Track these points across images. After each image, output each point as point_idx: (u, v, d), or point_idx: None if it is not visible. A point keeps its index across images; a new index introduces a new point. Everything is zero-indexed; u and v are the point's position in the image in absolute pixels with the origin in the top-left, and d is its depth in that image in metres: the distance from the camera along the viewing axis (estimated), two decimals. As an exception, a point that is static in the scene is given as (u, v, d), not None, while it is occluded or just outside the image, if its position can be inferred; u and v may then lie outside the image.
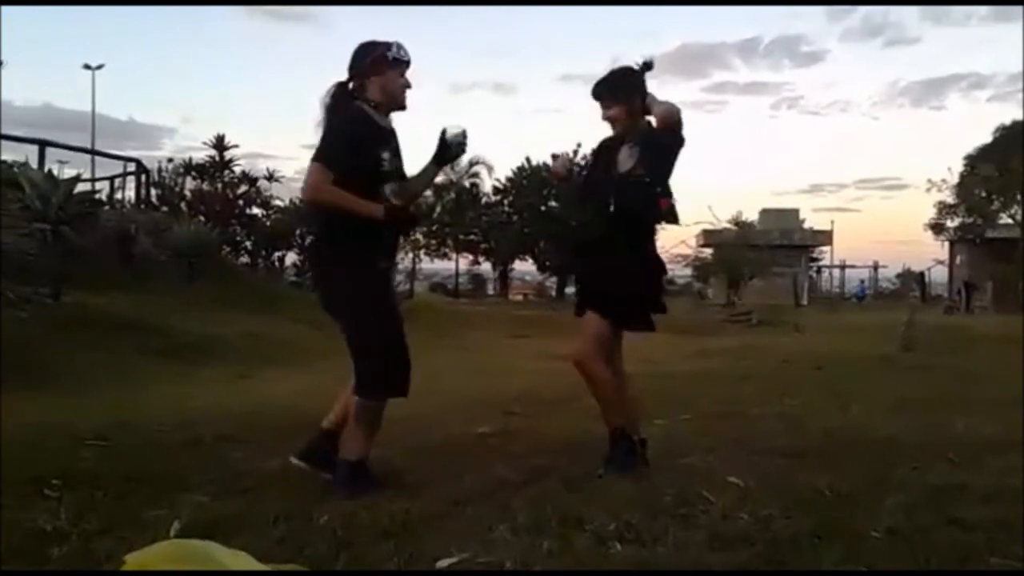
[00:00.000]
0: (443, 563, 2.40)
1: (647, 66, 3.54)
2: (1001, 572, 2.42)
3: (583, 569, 2.37)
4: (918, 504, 3.04)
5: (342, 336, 3.30)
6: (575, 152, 39.02)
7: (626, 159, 3.55)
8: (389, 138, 3.35)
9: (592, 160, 3.87)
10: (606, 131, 3.68)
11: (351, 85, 3.32)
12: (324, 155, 3.17)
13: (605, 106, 3.58)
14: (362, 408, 3.23)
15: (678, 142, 3.52)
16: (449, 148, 3.51)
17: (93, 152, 19.77)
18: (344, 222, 3.17)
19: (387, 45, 3.28)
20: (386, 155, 3.28)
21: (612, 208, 3.50)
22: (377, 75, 3.27)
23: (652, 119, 3.53)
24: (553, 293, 40.83)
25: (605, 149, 3.69)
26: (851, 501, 3.09)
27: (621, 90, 3.55)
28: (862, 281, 47.62)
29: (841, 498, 3.13)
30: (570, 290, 41.47)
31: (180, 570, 1.39)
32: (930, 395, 6.38)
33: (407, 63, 3.32)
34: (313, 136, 3.26)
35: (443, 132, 3.48)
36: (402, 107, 3.38)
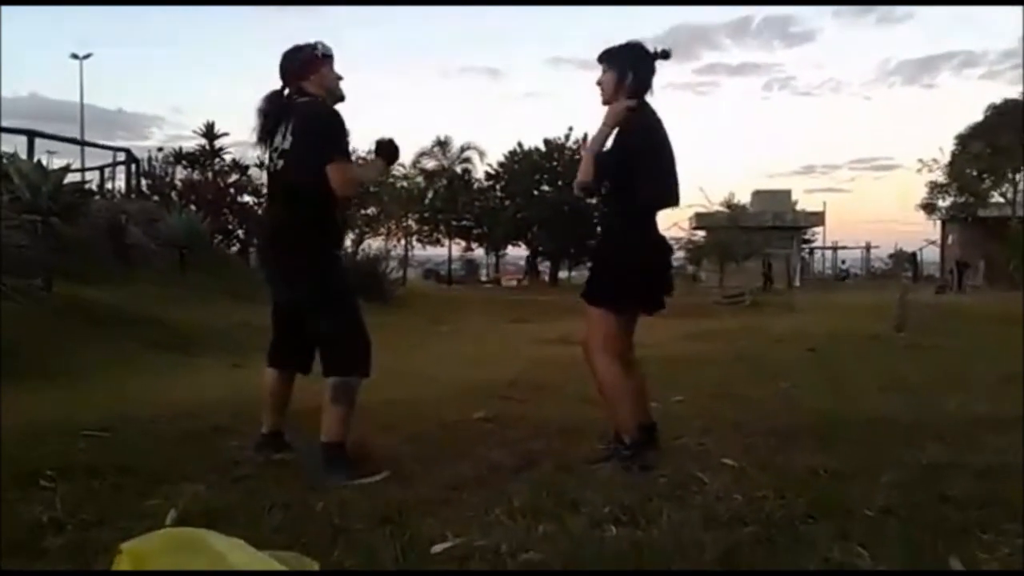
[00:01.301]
0: (439, 547, 2.41)
1: (664, 54, 3.52)
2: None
3: (579, 551, 2.38)
4: (911, 482, 3.06)
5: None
6: (567, 137, 39.11)
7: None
8: None
9: None
10: (595, 112, 3.66)
11: (287, 91, 3.45)
12: (339, 152, 3.32)
13: (603, 70, 3.56)
14: (343, 388, 3.31)
15: (642, 130, 3.45)
16: (391, 153, 3.70)
17: (83, 143, 19.69)
18: (304, 215, 3.36)
19: (312, 45, 3.45)
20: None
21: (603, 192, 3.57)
22: (313, 73, 3.43)
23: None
24: (547, 278, 40.88)
25: None
26: (845, 480, 3.11)
27: (616, 59, 3.52)
28: (843, 262, 47.89)
29: (835, 477, 3.15)
30: (563, 275, 41.59)
31: (177, 570, 1.40)
32: (923, 374, 6.42)
33: (333, 57, 3.49)
34: (252, 138, 3.51)
35: (378, 141, 3.70)
36: (342, 98, 3.53)
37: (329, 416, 3.31)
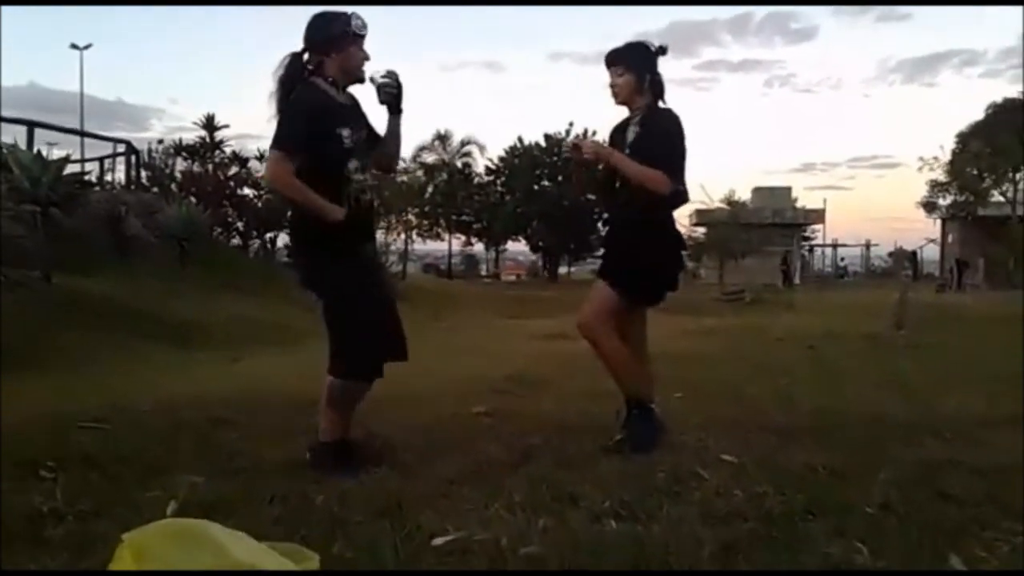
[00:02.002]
0: (439, 541, 2.41)
1: (661, 50, 3.60)
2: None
3: (578, 545, 2.38)
4: (910, 480, 3.06)
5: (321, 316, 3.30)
6: (567, 132, 39.11)
7: (630, 139, 3.57)
8: (348, 113, 3.26)
9: (608, 144, 3.80)
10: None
11: (306, 58, 3.23)
12: (282, 141, 3.11)
13: (615, 73, 3.61)
14: (334, 390, 3.24)
15: (679, 131, 3.54)
16: (380, 92, 3.35)
17: (83, 133, 19.64)
18: (294, 208, 3.24)
19: (345, 18, 3.18)
20: (346, 132, 3.19)
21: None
22: (337, 52, 3.18)
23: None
24: (546, 274, 40.84)
25: (618, 131, 3.70)
26: (844, 477, 3.11)
27: (632, 60, 3.58)
28: (842, 259, 47.98)
29: (834, 474, 3.15)
30: (563, 270, 41.53)
31: (178, 562, 1.39)
32: (922, 373, 6.41)
33: (365, 35, 3.24)
34: (270, 109, 3.21)
35: (371, 80, 3.32)
36: (361, 80, 3.29)
37: (322, 416, 3.29)
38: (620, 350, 3.57)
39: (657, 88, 3.59)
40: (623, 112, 3.68)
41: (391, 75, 3.32)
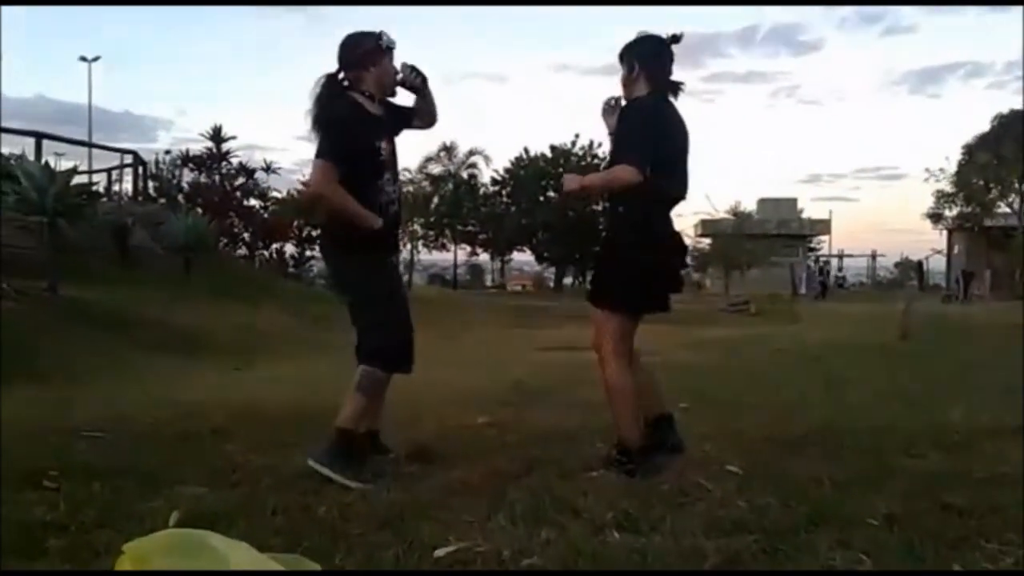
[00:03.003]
0: (441, 552, 2.41)
1: (674, 39, 3.41)
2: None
3: (580, 557, 2.38)
4: (914, 491, 3.05)
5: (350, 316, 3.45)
6: (573, 143, 39.12)
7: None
8: (381, 127, 3.40)
9: None
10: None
11: (342, 77, 3.37)
12: (328, 151, 3.23)
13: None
14: (364, 377, 3.32)
15: (639, 116, 3.33)
16: (416, 88, 3.51)
17: (90, 144, 19.76)
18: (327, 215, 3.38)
19: (376, 35, 3.36)
20: (382, 144, 3.36)
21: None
22: (374, 66, 3.35)
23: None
24: (552, 284, 40.82)
25: None
26: (848, 488, 3.09)
27: (625, 54, 3.45)
28: (840, 270, 47.85)
29: (838, 485, 3.14)
30: (568, 280, 41.50)
31: (179, 571, 1.39)
32: (927, 383, 6.40)
33: (394, 50, 3.41)
34: (305, 126, 3.33)
35: (402, 86, 3.51)
36: (393, 93, 3.46)
37: (347, 402, 3.32)
38: (626, 389, 3.35)
39: (653, 81, 3.37)
40: None
41: (404, 69, 3.46)
